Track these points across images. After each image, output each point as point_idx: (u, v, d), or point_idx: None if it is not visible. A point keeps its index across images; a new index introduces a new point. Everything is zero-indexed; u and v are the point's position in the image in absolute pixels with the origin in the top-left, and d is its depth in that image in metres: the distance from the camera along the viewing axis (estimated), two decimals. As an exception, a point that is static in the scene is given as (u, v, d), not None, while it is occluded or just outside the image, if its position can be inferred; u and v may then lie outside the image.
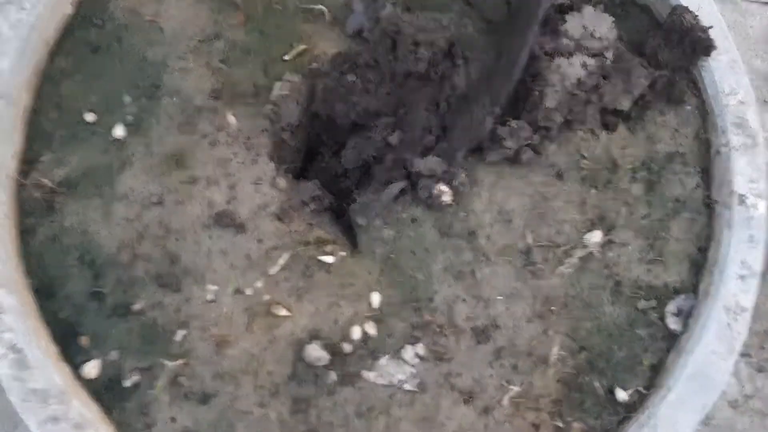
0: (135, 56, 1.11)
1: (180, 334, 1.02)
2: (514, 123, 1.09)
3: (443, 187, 1.06)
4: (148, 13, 1.13)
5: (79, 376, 0.99)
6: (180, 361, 1.00)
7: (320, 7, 1.17)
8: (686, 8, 1.14)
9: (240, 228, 1.05)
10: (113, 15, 1.13)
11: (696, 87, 1.18)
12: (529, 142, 1.12)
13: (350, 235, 1.13)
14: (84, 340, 1.01)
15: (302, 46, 1.13)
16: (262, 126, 1.10)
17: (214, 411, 1.00)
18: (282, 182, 1.08)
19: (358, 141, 1.14)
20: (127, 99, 1.09)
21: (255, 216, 1.06)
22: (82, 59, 1.10)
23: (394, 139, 1.12)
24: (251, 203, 1.06)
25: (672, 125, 1.17)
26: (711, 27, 1.12)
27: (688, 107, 1.18)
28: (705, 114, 1.17)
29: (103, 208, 1.05)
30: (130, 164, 1.06)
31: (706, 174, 1.15)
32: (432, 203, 1.07)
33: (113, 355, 1.01)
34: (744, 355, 1.58)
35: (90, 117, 1.08)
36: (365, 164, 1.16)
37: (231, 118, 1.09)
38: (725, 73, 1.16)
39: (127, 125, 1.08)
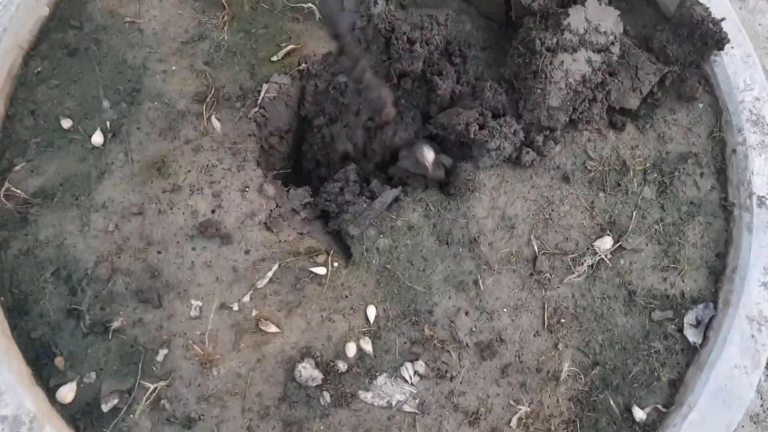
0: (114, 59, 1.05)
1: (162, 354, 0.95)
2: (494, 122, 1.02)
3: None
4: (128, 14, 1.08)
5: (53, 400, 0.92)
6: (162, 383, 0.93)
7: (309, 5, 1.12)
8: (696, 0, 1.08)
9: (226, 238, 0.98)
10: (91, 16, 1.07)
11: (708, 83, 1.12)
12: (531, 142, 1.06)
13: (344, 244, 1.06)
14: (59, 361, 0.94)
15: (291, 46, 1.07)
16: (249, 130, 1.04)
17: (199, 436, 0.93)
18: (270, 189, 1.02)
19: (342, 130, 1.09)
20: (105, 104, 1.03)
21: (242, 225, 0.99)
22: (58, 63, 1.05)
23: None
24: (237, 212, 1.00)
25: (684, 124, 1.11)
26: (723, 19, 1.06)
27: (701, 104, 1.11)
28: (719, 111, 1.11)
29: (81, 220, 0.98)
30: (109, 173, 1.00)
31: (722, 175, 1.09)
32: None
33: (91, 376, 0.94)
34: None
35: (67, 123, 1.02)
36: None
37: (216, 123, 1.03)
38: (739, 68, 1.09)
39: (105, 132, 1.02)
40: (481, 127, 1.03)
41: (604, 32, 1.04)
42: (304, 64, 1.07)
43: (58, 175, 1.00)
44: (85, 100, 1.03)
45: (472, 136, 1.01)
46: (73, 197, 0.99)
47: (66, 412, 0.92)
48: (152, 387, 0.92)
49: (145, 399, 0.92)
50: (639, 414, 0.99)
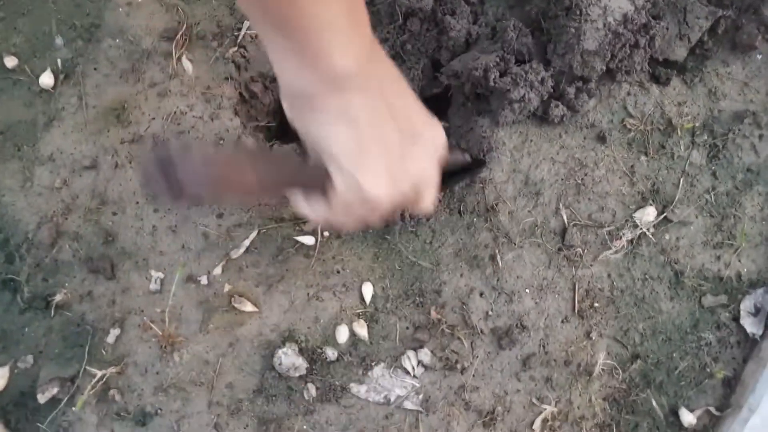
0: (71, -12, 0.89)
1: (113, 335, 0.79)
2: (517, 68, 0.86)
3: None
4: (89, -64, 0.92)
5: (-19, 389, 0.76)
6: (112, 369, 0.77)
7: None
8: (757, -69, 0.92)
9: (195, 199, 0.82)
10: (45, -62, 0.92)
11: (768, 30, 0.95)
12: (561, 94, 0.89)
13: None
14: (-10, 342, 0.78)
15: None
16: (226, 73, 0.88)
17: (155, 435, 0.77)
18: (250, 142, 0.85)
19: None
20: (58, 41, 0.87)
21: (214, 184, 0.83)
22: (5, -8, 0.89)
23: None
24: (210, 168, 0.83)
25: (739, 78, 0.94)
26: (791, -49, 0.90)
27: (759, 56, 0.95)
28: (781, 64, 0.94)
29: (23, 174, 0.82)
30: (59, 119, 0.84)
31: (784, 137, 0.92)
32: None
33: (27, 360, 0.78)
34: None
35: (11, 62, 0.86)
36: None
37: (187, 64, 0.87)
38: (806, 12, 0.92)
39: (57, 72, 0.86)
40: (502, 75, 0.87)
41: (650, -35, 0.88)
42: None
43: (-1, 121, 0.84)
44: (35, 36, 0.88)
45: (491, 83, 0.85)
46: (15, 147, 0.84)
47: (-5, 402, 0.77)
48: (100, 374, 0.77)
49: (90, 388, 0.76)
50: (687, 417, 0.82)
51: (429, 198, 0.57)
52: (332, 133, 0.48)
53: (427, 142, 0.54)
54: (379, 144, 0.49)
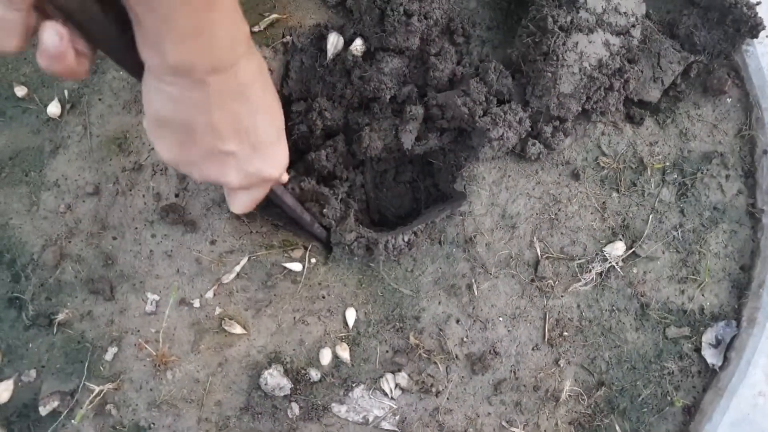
0: (78, 22, 0.94)
1: (111, 352, 0.84)
2: (497, 108, 0.91)
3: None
4: (97, -27, 0.97)
5: (-14, 400, 0.82)
6: (110, 385, 0.83)
7: (299, -28, 1.01)
8: (729, -18, 0.97)
9: (190, 226, 0.88)
10: (56, -26, 0.97)
11: (738, 75, 1.00)
12: (539, 133, 0.94)
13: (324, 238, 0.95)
14: (-4, 356, 0.83)
15: (275, 16, 0.96)
16: (223, 106, 0.93)
17: (148, 448, 0.82)
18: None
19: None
20: (66, 72, 0.92)
21: (208, 212, 0.89)
22: (16, 24, 0.94)
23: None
24: (205, 197, 0.89)
25: (709, 120, 0.99)
26: (759, 3, 0.95)
27: (729, 99, 1.00)
28: (749, 107, 0.99)
29: (30, 198, 0.88)
30: (64, 147, 0.90)
31: (750, 178, 0.97)
32: None
33: (30, 374, 0.83)
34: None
35: (21, 91, 0.91)
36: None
37: (186, 97, 0.92)
38: (774, 60, 0.98)
39: (63, 102, 0.91)
40: (483, 114, 0.92)
41: (625, 13, 0.93)
42: (288, 37, 0.96)
43: (8, 147, 0.89)
44: (44, 66, 0.93)
45: (478, 121, 0.90)
46: (22, 173, 0.89)
47: (0, 413, 0.82)
48: (98, 389, 0.82)
49: (88, 402, 0.81)
50: (648, 443, 0.87)
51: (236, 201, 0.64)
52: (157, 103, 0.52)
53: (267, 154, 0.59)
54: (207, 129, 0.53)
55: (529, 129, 0.94)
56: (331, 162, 1.00)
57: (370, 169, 1.07)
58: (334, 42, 0.94)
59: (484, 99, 0.93)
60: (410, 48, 0.94)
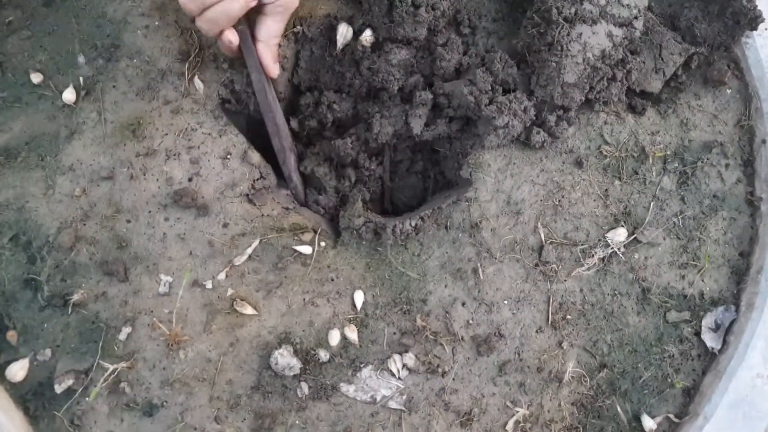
0: (93, 11, 0.96)
1: (125, 332, 0.86)
2: (503, 97, 0.93)
3: None
4: (111, -37, 0.99)
5: (2, 378, 0.83)
6: (123, 364, 0.85)
7: (308, -36, 1.03)
8: (729, -25, 0.99)
9: (202, 209, 0.90)
10: (71, -36, 0.99)
11: (738, 67, 1.03)
12: (543, 122, 0.97)
13: (333, 222, 0.97)
14: (12, 335, 0.85)
15: (285, 6, 0.98)
16: (235, 94, 0.95)
17: (161, 425, 0.84)
18: (255, 157, 0.93)
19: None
20: (81, 59, 0.95)
21: (221, 196, 0.91)
22: (32, 13, 0.96)
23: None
24: (217, 181, 0.91)
25: (709, 110, 1.02)
26: (758, -4, 0.97)
27: (729, 90, 1.02)
28: (748, 98, 1.02)
29: (45, 182, 0.90)
30: (79, 133, 0.92)
31: (749, 167, 0.99)
32: None
33: (45, 354, 0.85)
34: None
35: (37, 78, 0.93)
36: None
37: (199, 84, 0.95)
38: (773, 52, 1.00)
39: (78, 89, 0.93)
40: (489, 103, 0.95)
41: (627, 5, 0.95)
42: (299, 26, 0.99)
43: (24, 133, 0.91)
44: (59, 54, 0.95)
45: (483, 110, 0.93)
46: (38, 157, 0.91)
47: (16, 391, 0.84)
48: (112, 368, 0.84)
49: (102, 381, 0.83)
50: (649, 423, 0.89)
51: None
52: None
53: None
54: None
55: (534, 118, 0.96)
56: (355, 150, 1.02)
57: (389, 158, 1.09)
58: (343, 32, 0.96)
59: (489, 88, 0.95)
60: (418, 38, 0.96)
